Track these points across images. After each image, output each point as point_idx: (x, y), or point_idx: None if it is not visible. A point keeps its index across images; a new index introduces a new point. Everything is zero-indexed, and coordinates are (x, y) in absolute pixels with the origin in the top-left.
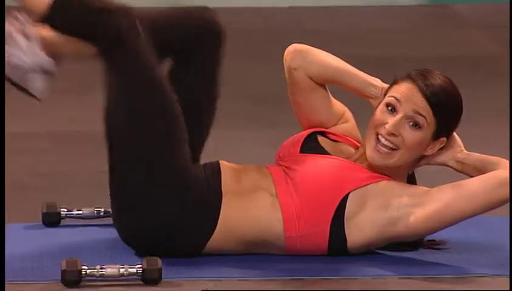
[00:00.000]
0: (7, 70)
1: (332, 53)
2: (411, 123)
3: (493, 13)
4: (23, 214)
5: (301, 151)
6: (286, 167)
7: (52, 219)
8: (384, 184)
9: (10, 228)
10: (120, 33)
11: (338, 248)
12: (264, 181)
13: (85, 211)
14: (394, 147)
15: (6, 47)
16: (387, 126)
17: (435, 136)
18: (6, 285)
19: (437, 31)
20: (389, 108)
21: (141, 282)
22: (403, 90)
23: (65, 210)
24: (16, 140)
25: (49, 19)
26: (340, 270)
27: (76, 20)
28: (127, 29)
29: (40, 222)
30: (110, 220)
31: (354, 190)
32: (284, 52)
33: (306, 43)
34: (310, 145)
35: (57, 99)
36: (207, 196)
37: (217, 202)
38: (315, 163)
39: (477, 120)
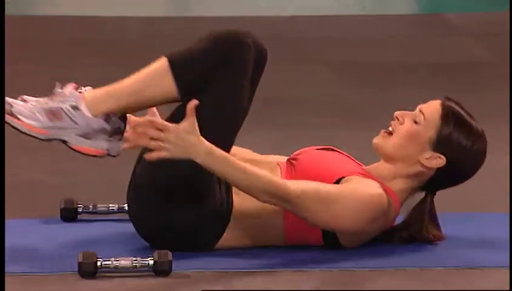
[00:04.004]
0: (73, 146)
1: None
2: (414, 120)
3: (483, 21)
4: (42, 210)
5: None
6: (293, 159)
7: (70, 215)
8: (365, 179)
9: (30, 223)
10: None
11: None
12: (272, 170)
13: (101, 207)
14: (391, 131)
15: (60, 124)
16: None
17: (433, 145)
18: (26, 276)
19: (429, 38)
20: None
21: (153, 274)
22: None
23: (82, 206)
24: (36, 140)
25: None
26: (337, 263)
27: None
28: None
29: (59, 218)
30: (123, 216)
31: (345, 177)
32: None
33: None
34: (326, 148)
35: None
36: (220, 199)
37: (228, 204)
38: (318, 153)
39: None
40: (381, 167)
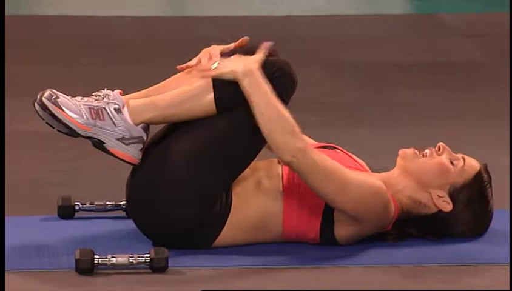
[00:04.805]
0: (110, 149)
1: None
2: (451, 160)
3: (476, 22)
4: (40, 207)
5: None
6: None
7: (67, 212)
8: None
9: (28, 220)
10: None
11: (329, 222)
12: (272, 168)
13: (98, 204)
14: (424, 154)
15: (101, 124)
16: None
17: (452, 190)
18: (24, 273)
19: (424, 38)
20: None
21: (149, 270)
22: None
23: (79, 203)
24: (35, 139)
25: None
26: (333, 260)
27: None
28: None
29: (56, 215)
30: (120, 213)
31: None
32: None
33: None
34: (328, 147)
35: None
36: (220, 199)
37: (227, 204)
38: (322, 152)
39: (465, 123)
40: (391, 176)
